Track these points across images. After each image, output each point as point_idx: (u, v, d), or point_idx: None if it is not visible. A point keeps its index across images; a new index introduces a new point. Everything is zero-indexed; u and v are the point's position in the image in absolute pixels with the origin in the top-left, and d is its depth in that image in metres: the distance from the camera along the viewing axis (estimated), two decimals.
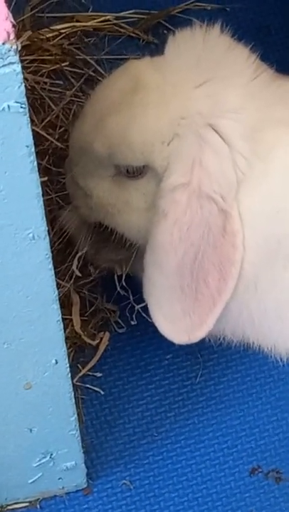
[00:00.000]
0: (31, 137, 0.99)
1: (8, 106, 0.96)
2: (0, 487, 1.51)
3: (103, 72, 1.73)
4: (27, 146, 1.01)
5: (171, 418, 1.59)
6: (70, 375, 1.29)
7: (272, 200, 1.41)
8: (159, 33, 1.78)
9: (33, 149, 1.02)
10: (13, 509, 1.50)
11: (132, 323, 1.59)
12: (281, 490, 1.52)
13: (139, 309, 1.50)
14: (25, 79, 1.04)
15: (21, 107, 0.97)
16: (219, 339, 1.50)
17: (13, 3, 1.09)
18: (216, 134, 1.37)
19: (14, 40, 0.89)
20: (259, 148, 1.39)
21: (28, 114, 0.95)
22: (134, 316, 1.55)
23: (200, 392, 1.59)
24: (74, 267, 1.58)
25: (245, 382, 1.60)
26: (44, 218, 1.09)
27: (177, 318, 1.43)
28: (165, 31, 1.72)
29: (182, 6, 1.86)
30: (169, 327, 1.43)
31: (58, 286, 1.20)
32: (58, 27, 1.83)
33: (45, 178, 1.21)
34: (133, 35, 1.84)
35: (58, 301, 1.19)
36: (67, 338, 1.28)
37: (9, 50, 0.91)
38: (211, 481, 1.53)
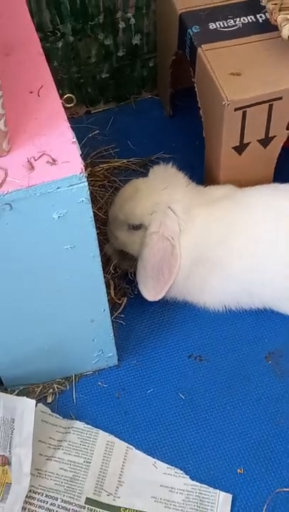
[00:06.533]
0: (91, 213, 1.10)
1: (82, 200, 1.06)
2: (81, 365, 1.46)
3: (122, 185, 1.64)
4: (90, 217, 1.11)
5: (158, 331, 1.53)
6: (109, 315, 1.35)
7: (195, 239, 1.46)
8: (147, 167, 1.67)
9: (93, 218, 1.11)
10: (86, 375, 1.47)
11: (135, 292, 1.54)
12: (204, 367, 1.47)
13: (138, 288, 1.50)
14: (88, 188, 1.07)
15: (88, 201, 1.07)
16: (175, 299, 1.55)
17: (83, 154, 1.12)
18: (171, 211, 1.44)
19: (84, 171, 1.03)
20: (189, 217, 1.45)
21: (90, 204, 1.08)
22: (136, 290, 1.51)
23: (172, 315, 1.55)
24: (111, 269, 1.58)
25: (191, 317, 1.54)
26: (98, 247, 1.17)
27: (149, 290, 1.46)
28: (149, 166, 1.59)
29: (158, 155, 1.76)
30: (145, 293, 1.47)
31: (104, 278, 1.26)
32: (102, 165, 1.75)
33: (97, 231, 1.16)
34: (135, 168, 1.76)
35: (104, 284, 1.27)
36: (108, 300, 1.32)
37: (83, 176, 1.03)
38: (169, 364, 1.49)
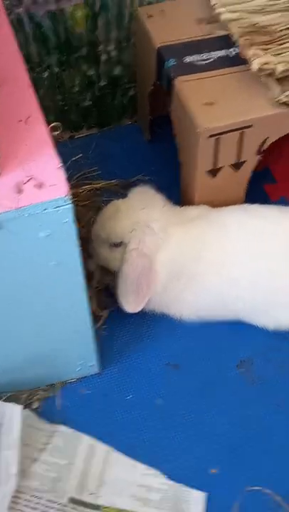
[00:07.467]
0: (76, 231, 1.12)
1: (67, 220, 1.09)
2: (65, 373, 1.48)
3: (103, 205, 1.59)
4: (75, 236, 1.13)
5: (137, 341, 1.56)
6: (92, 326, 1.36)
7: (171, 255, 1.48)
8: (127, 189, 1.61)
9: (77, 237, 1.13)
10: (70, 382, 1.49)
11: (116, 305, 1.53)
12: (181, 374, 1.49)
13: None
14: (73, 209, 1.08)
15: (73, 221, 1.10)
16: (153, 312, 1.57)
17: (67, 176, 1.06)
18: (149, 229, 1.46)
19: (68, 194, 1.05)
20: (166, 235, 1.47)
21: (75, 223, 1.10)
22: (117, 303, 1.51)
23: (151, 326, 1.58)
24: (94, 283, 1.61)
25: (168, 328, 1.57)
26: (81, 263, 1.19)
27: (129, 302, 1.48)
28: (129, 187, 1.58)
29: (137, 177, 1.80)
30: (126, 305, 1.49)
31: (87, 291, 1.27)
32: (85, 187, 1.79)
33: (81, 248, 1.15)
34: (116, 190, 1.79)
35: (87, 297, 1.27)
36: (91, 313, 1.33)
37: (68, 198, 1.05)
38: (147, 372, 1.52)
